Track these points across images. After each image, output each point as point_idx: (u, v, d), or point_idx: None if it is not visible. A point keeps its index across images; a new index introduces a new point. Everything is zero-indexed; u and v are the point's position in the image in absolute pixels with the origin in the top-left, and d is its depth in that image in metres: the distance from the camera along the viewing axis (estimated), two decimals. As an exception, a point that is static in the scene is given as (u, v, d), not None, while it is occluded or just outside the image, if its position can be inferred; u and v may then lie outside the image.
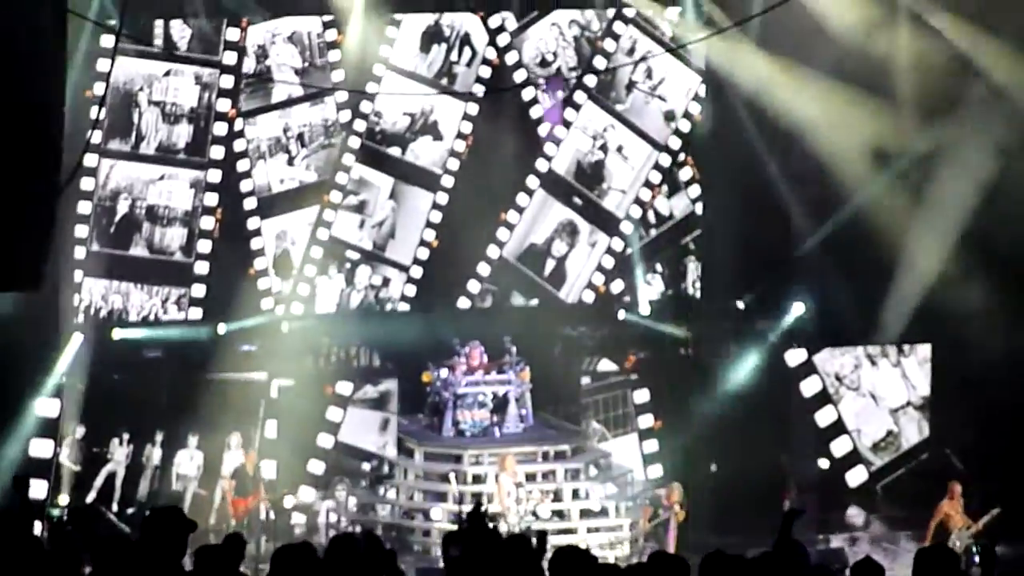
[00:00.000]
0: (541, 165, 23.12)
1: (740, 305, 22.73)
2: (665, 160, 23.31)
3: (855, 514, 22.51)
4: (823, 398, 23.29)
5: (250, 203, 22.58)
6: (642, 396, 23.11)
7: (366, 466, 22.40)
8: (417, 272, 22.93)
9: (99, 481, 22.08)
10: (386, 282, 22.91)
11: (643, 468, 22.86)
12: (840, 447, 23.23)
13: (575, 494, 20.77)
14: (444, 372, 21.30)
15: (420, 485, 20.82)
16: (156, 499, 21.94)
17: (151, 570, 7.96)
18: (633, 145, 23.31)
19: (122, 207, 22.58)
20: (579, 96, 23.18)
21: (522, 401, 21.34)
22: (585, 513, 20.69)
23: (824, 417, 23.24)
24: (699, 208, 23.26)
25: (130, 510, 22.08)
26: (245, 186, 22.60)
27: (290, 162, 22.68)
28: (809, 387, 23.22)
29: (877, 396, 23.43)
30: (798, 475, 21.23)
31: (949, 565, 8.00)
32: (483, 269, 23.01)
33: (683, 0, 22.35)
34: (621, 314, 22.99)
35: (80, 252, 22.26)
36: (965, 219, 21.40)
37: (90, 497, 21.98)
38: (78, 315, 22.23)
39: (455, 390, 21.12)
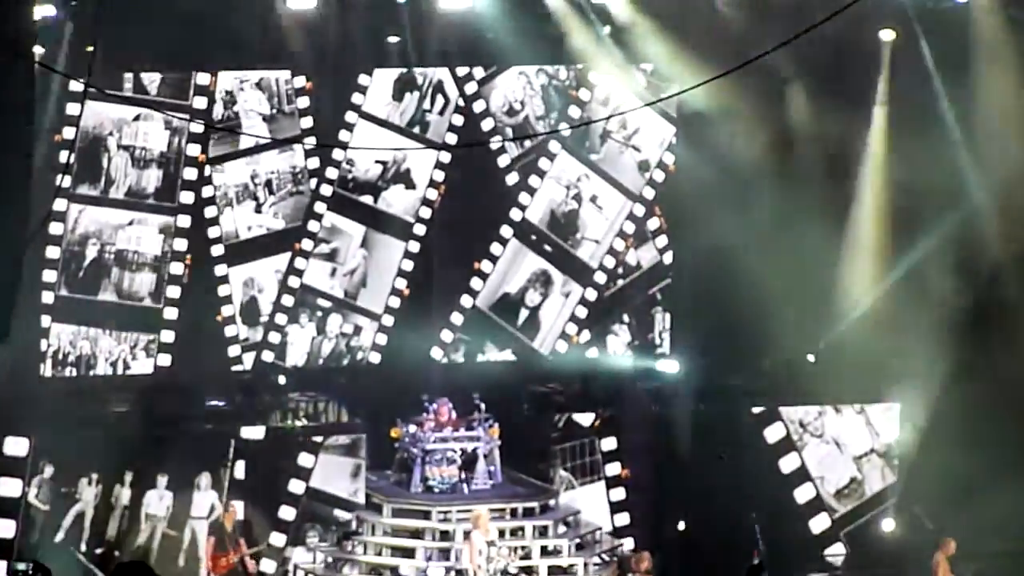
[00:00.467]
0: (515, 214, 23.10)
1: (707, 361, 22.37)
2: (639, 210, 23.30)
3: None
4: (787, 445, 23.12)
5: (217, 250, 22.48)
6: (609, 444, 23.06)
7: (338, 513, 22.03)
8: (388, 321, 22.81)
9: (67, 521, 21.96)
10: (357, 331, 22.82)
11: (610, 516, 22.80)
12: (803, 494, 23.16)
13: (544, 551, 20.53)
14: (413, 428, 21.21)
15: (388, 541, 20.56)
16: (125, 539, 21.97)
17: None
18: (607, 195, 23.31)
19: (91, 252, 22.46)
20: (553, 146, 22.95)
21: (491, 458, 21.25)
22: (554, 570, 20.55)
23: (788, 464, 23.07)
24: (667, 258, 22.86)
25: (99, 550, 21.98)
26: (212, 233, 22.53)
27: (258, 209, 22.61)
28: (773, 434, 23.12)
29: (841, 443, 23.35)
30: (768, 535, 20.96)
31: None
32: (456, 319, 22.93)
33: (654, 57, 22.00)
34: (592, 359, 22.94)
35: (48, 297, 22.10)
36: (931, 276, 21.04)
37: (59, 537, 21.86)
38: (46, 360, 21.92)
39: (424, 446, 21.01)
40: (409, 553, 20.33)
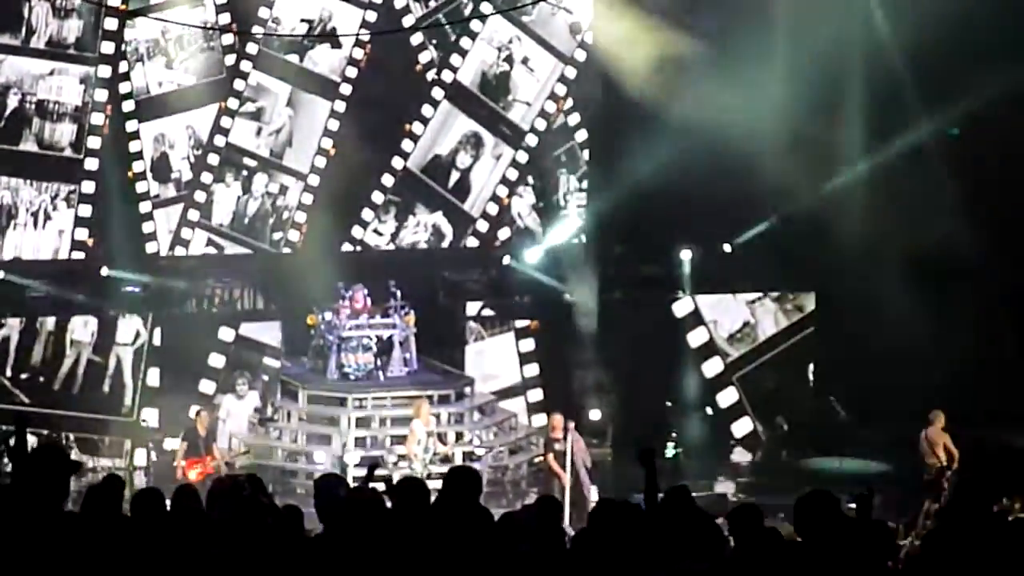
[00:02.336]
0: (446, 76, 22.91)
1: (617, 250, 22.85)
2: (571, 72, 23.02)
3: (740, 458, 22.26)
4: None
5: (128, 105, 22.17)
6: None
7: (267, 361, 22.27)
8: (314, 181, 22.61)
9: (-8, 347, 21.66)
10: (283, 190, 22.74)
11: (519, 367, 23.09)
12: (696, 338, 23.31)
13: (459, 438, 20.77)
14: (329, 315, 21.22)
15: (304, 428, 20.78)
16: (51, 365, 22.10)
17: (30, 516, 7.39)
18: (539, 57, 23.06)
19: (12, 102, 22.00)
20: (485, 7, 22.68)
21: (406, 345, 21.34)
22: (468, 456, 20.65)
23: (681, 308, 23.29)
24: (572, 120, 22.90)
25: (24, 375, 22.13)
26: (123, 88, 22.14)
27: (168, 65, 22.17)
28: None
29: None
30: (683, 422, 21.13)
31: (829, 510, 7.86)
32: (387, 180, 22.89)
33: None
34: (506, 259, 22.88)
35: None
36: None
37: (-16, 363, 21.85)
38: None
39: (339, 333, 21.09)
40: (325, 439, 20.06)
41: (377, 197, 22.85)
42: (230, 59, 22.31)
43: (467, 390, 21.54)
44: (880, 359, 20.84)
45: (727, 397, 23.19)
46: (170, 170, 22.34)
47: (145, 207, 22.32)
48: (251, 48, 22.33)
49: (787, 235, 21.85)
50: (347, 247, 22.75)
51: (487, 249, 23.00)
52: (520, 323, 23.24)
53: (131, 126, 22.15)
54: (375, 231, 22.88)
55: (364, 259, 22.36)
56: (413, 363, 21.32)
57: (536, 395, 22.97)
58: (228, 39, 22.24)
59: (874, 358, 21.00)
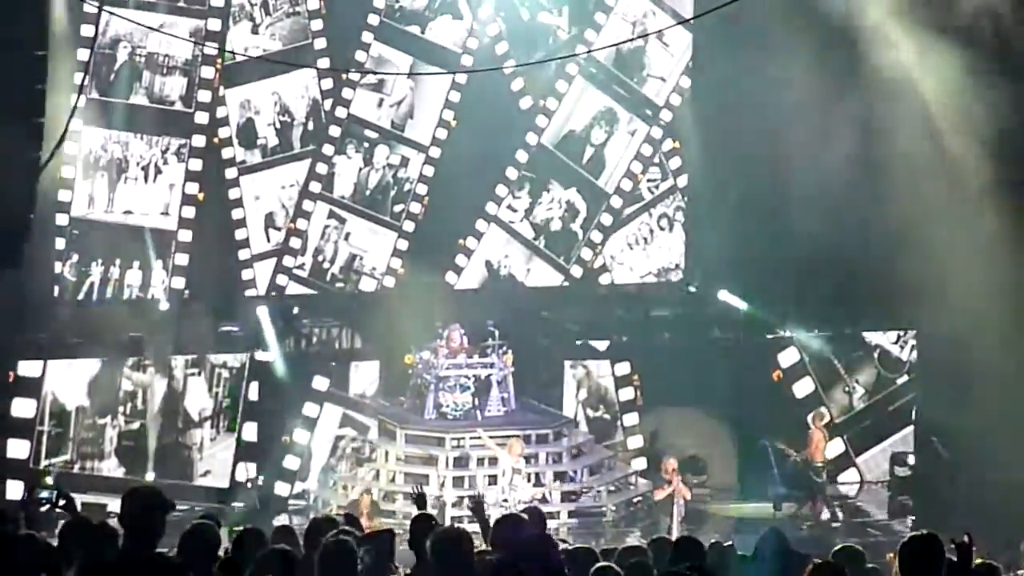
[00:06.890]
0: (579, 51, 22.43)
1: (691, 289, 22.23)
2: None
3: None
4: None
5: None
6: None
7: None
8: (435, 153, 22.42)
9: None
10: (404, 162, 22.47)
11: (615, 390, 22.31)
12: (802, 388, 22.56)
13: (556, 477, 20.58)
14: (426, 354, 21.15)
15: (402, 468, 20.64)
16: None
17: (129, 554, 7.65)
18: (673, 32, 22.50)
19: (121, 55, 21.79)
20: (619, -17, 23.05)
21: (504, 384, 21.26)
22: (567, 496, 20.55)
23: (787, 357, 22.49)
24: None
25: None
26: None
27: (254, 30, 21.81)
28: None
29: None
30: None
31: (935, 555, 7.77)
32: (520, 156, 22.62)
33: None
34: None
35: (80, 100, 20.66)
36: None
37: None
38: (77, 163, 21.36)
39: (437, 373, 21.06)
40: (423, 479, 19.39)
41: (511, 173, 22.52)
42: (316, 24, 21.82)
43: (565, 430, 21.30)
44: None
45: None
46: (256, 136, 21.98)
47: (231, 173, 21.75)
48: (372, 19, 21.92)
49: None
50: (480, 224, 22.29)
51: (589, 283, 22.24)
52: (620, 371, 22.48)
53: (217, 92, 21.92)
54: (509, 207, 22.63)
55: (462, 297, 21.96)
56: (511, 402, 21.17)
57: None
58: (314, 4, 21.65)
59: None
